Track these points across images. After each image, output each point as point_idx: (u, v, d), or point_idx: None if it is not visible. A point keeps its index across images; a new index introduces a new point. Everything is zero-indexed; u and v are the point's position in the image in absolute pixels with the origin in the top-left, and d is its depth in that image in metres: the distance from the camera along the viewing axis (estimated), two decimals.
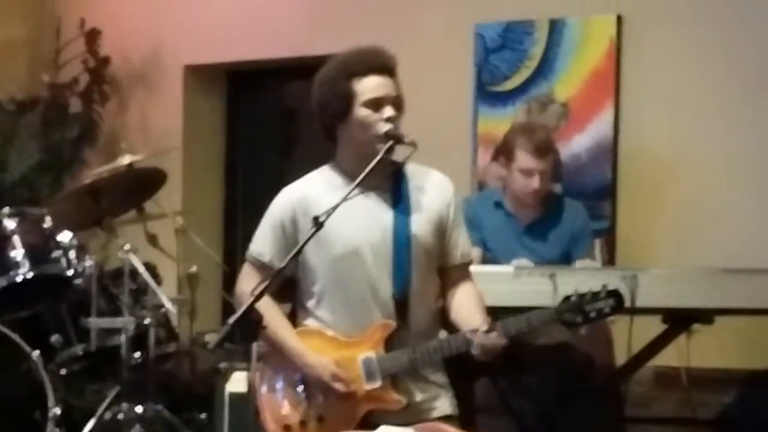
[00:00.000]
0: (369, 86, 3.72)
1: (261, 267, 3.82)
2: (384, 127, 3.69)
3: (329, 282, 3.77)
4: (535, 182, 5.13)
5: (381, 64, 3.75)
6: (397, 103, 3.74)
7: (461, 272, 3.91)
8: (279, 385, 3.83)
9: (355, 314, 3.75)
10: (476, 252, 5.11)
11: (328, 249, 3.73)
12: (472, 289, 3.90)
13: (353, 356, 3.74)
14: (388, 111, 3.71)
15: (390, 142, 3.67)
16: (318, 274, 3.78)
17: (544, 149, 5.15)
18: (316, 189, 3.82)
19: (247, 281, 3.77)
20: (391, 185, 3.81)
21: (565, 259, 5.17)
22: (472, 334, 3.66)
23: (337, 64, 3.80)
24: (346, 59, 3.80)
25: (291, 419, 3.79)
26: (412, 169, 3.86)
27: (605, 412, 5.20)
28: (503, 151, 5.31)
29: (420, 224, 3.79)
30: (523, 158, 5.13)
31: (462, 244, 3.91)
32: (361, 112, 3.72)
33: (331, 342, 3.77)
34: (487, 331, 3.64)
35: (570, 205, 5.35)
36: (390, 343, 3.73)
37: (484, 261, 5.15)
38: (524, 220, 5.27)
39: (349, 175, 3.75)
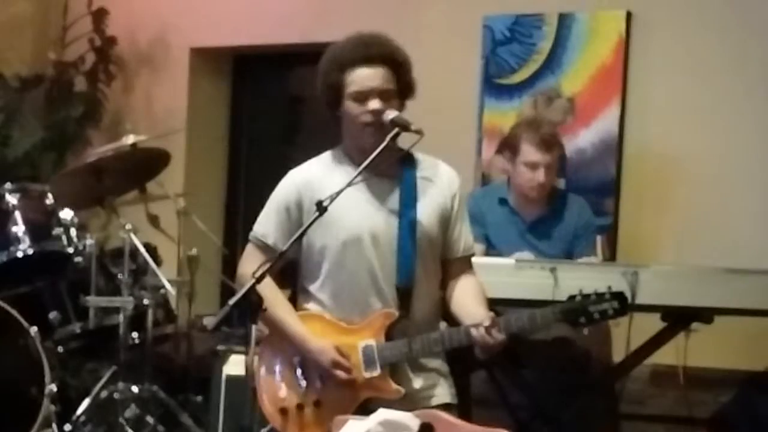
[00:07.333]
0: (354, 78, 3.72)
1: (264, 248, 3.82)
2: (371, 119, 3.68)
3: (332, 267, 3.76)
4: (540, 176, 5.15)
5: (369, 55, 3.74)
6: (386, 95, 3.72)
7: (463, 265, 3.90)
8: (278, 368, 3.83)
9: (356, 301, 3.74)
10: (479, 248, 5.12)
11: (332, 234, 3.72)
12: (475, 282, 3.88)
13: (353, 343, 3.72)
14: (374, 104, 3.70)
15: (396, 130, 3.67)
16: (321, 259, 3.77)
17: (550, 143, 5.17)
18: (322, 172, 3.81)
19: (250, 262, 3.75)
20: (399, 173, 3.80)
21: (568, 256, 5.16)
22: (474, 329, 3.64)
23: (330, 55, 3.81)
24: (338, 50, 3.80)
25: (288, 402, 3.78)
26: (421, 159, 3.86)
27: (601, 407, 5.19)
28: (509, 145, 5.32)
29: (425, 214, 3.78)
30: (529, 151, 5.15)
31: (465, 237, 3.90)
32: (348, 104, 3.74)
33: (332, 327, 3.76)
34: (489, 327, 3.61)
35: (574, 202, 5.35)
36: (391, 331, 3.72)
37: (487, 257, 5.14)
38: (528, 217, 5.27)
39: (354, 160, 3.75)
